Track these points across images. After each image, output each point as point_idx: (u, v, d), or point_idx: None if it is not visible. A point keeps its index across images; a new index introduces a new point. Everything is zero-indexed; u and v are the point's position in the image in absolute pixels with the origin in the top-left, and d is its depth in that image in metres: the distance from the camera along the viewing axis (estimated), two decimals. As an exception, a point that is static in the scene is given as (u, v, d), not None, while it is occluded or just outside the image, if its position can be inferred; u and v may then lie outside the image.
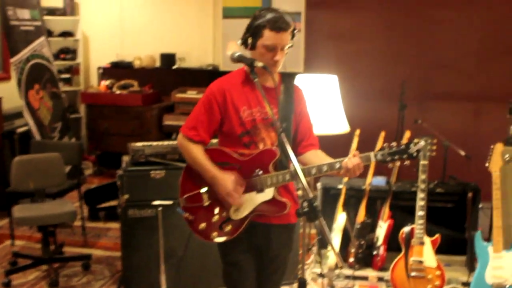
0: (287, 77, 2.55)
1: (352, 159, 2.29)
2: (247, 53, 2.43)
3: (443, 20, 5.94)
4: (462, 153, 4.37)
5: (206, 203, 2.44)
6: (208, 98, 2.43)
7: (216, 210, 2.43)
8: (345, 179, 4.29)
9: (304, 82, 3.64)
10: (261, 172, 2.37)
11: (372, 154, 2.31)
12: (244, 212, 2.41)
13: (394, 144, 2.32)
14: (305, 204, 2.07)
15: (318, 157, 2.49)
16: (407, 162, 2.33)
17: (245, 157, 2.41)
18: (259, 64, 2.33)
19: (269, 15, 2.32)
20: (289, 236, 2.59)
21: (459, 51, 5.90)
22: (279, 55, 2.35)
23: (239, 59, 2.37)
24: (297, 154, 2.47)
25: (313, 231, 4.28)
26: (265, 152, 2.40)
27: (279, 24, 2.31)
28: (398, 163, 2.32)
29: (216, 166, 2.39)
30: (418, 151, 2.28)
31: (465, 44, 5.89)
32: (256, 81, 2.32)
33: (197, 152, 2.42)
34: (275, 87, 2.39)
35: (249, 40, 2.37)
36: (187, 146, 2.43)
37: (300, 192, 2.64)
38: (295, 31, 2.41)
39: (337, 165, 2.31)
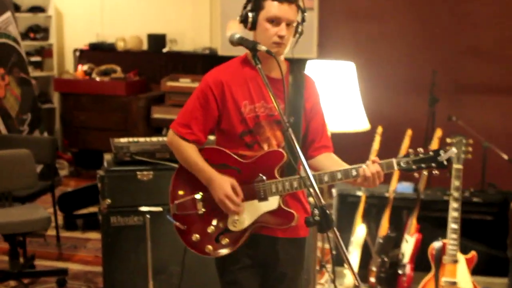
0: (296, 66, 2.56)
1: (371, 166, 2.30)
2: (250, 36, 2.45)
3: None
4: (505, 156, 4.37)
5: (201, 211, 2.45)
6: (203, 92, 2.45)
7: (212, 220, 2.44)
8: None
9: (317, 69, 3.66)
10: (265, 177, 2.38)
11: (394, 161, 2.33)
12: (245, 223, 2.41)
13: (421, 149, 2.34)
14: (317, 211, 2.07)
15: (332, 162, 2.50)
16: (436, 172, 2.35)
17: (247, 159, 2.43)
18: (263, 47, 2.33)
19: None
20: (299, 252, 2.58)
21: (501, 34, 5.86)
22: (285, 30, 2.37)
23: (239, 41, 2.37)
24: (307, 157, 2.46)
25: (327, 245, 4.29)
26: (270, 154, 2.41)
27: None
28: (425, 172, 2.33)
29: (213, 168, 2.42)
30: (449, 159, 2.30)
31: (508, 26, 5.86)
32: (259, 67, 2.32)
33: (191, 151, 2.44)
34: (282, 78, 2.38)
35: (250, 17, 2.40)
36: (179, 145, 2.46)
37: (311, 199, 2.65)
38: (305, 12, 2.43)
39: (354, 173, 2.33)
